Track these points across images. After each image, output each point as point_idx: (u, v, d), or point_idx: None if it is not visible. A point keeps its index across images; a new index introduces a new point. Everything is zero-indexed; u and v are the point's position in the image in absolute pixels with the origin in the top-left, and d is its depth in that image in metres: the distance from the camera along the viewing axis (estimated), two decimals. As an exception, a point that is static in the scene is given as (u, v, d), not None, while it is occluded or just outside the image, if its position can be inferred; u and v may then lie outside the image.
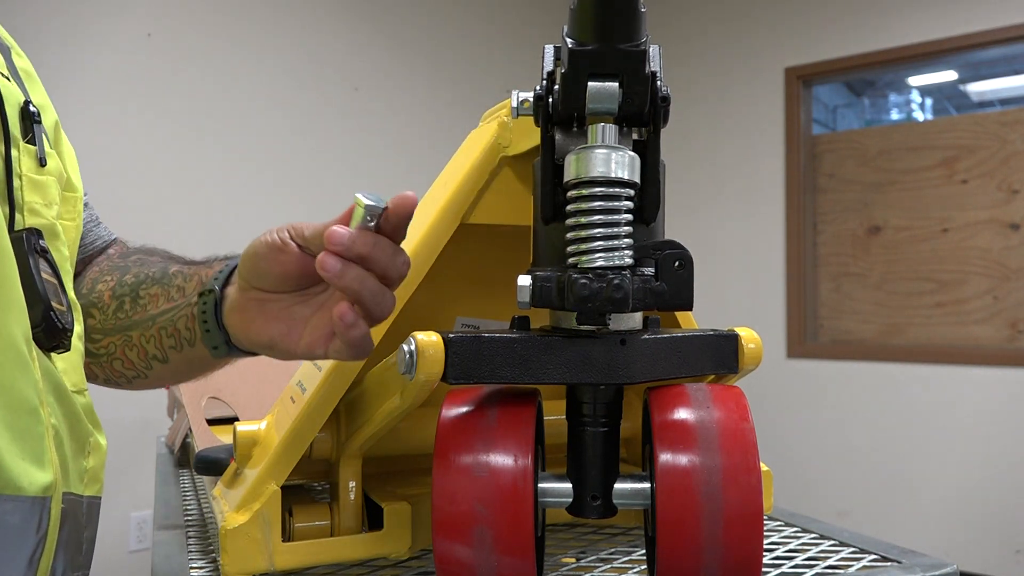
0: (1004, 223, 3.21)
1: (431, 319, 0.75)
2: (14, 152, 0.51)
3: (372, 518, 0.66)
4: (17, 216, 0.51)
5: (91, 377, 0.70)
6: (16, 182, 0.51)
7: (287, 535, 0.64)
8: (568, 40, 0.48)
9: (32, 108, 0.54)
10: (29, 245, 0.49)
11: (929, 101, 3.78)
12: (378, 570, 0.65)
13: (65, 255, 0.54)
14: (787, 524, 0.76)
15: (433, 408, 0.59)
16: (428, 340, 0.51)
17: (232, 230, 2.88)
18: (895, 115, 3.81)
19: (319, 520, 0.65)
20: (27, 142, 0.53)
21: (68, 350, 0.52)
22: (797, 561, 0.66)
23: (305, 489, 0.75)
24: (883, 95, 3.83)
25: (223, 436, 0.97)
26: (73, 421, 0.52)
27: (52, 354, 0.51)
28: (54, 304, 0.50)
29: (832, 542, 0.70)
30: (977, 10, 3.20)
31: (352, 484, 0.66)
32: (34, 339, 0.48)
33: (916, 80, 3.67)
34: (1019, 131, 3.18)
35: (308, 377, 0.67)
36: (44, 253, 0.50)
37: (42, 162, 0.53)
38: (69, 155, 0.62)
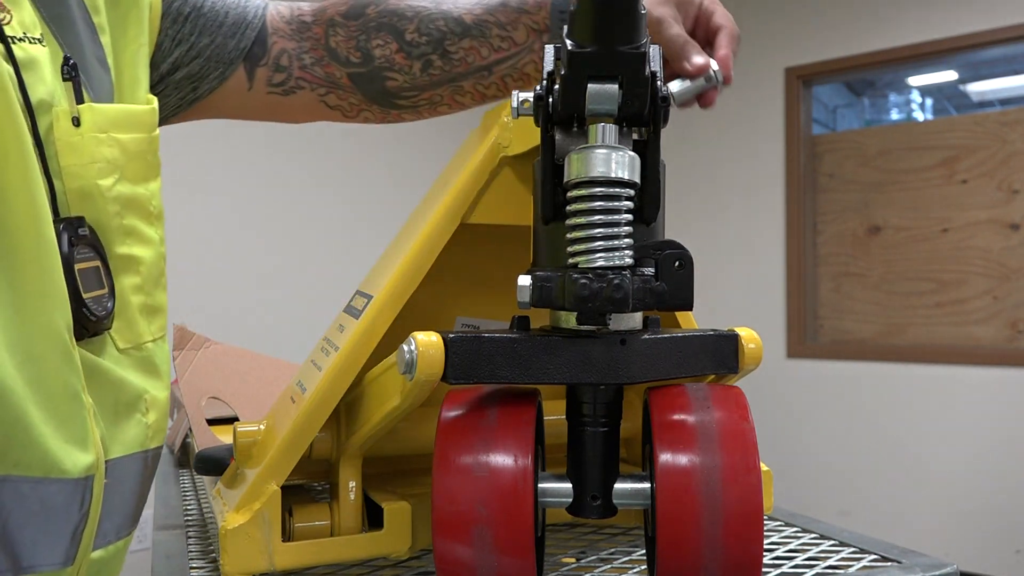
0: (1004, 223, 3.21)
1: (431, 319, 0.75)
2: (43, 120, 0.51)
3: (372, 518, 0.66)
4: (56, 183, 0.51)
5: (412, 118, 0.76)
6: (49, 150, 0.51)
7: (287, 535, 0.64)
8: (568, 42, 0.48)
9: (72, 61, 0.53)
10: (69, 235, 0.50)
11: (929, 101, 3.78)
12: (378, 570, 0.65)
13: (111, 211, 0.54)
14: (787, 524, 0.76)
15: (433, 408, 0.59)
16: (428, 340, 0.51)
17: (232, 228, 2.88)
18: (895, 115, 3.81)
19: (319, 520, 0.65)
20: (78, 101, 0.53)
21: (100, 334, 0.53)
22: (797, 561, 0.66)
23: (305, 489, 0.75)
24: (883, 95, 3.83)
25: (223, 436, 0.97)
26: (116, 391, 0.53)
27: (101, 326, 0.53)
28: (90, 295, 0.51)
29: (832, 542, 0.70)
30: (977, 10, 3.20)
31: (352, 484, 0.66)
32: None
33: (916, 80, 3.67)
34: (1019, 131, 3.18)
35: (308, 377, 0.67)
36: (83, 239, 0.51)
37: (75, 122, 0.53)
38: (133, 30, 0.61)
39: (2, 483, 0.45)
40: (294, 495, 0.69)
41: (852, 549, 0.68)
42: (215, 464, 0.83)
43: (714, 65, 0.62)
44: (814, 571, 0.63)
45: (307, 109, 0.74)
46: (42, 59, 0.53)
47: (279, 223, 3.07)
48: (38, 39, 0.53)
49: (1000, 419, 3.12)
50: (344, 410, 0.66)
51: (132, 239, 0.56)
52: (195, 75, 0.69)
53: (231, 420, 1.05)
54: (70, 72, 0.53)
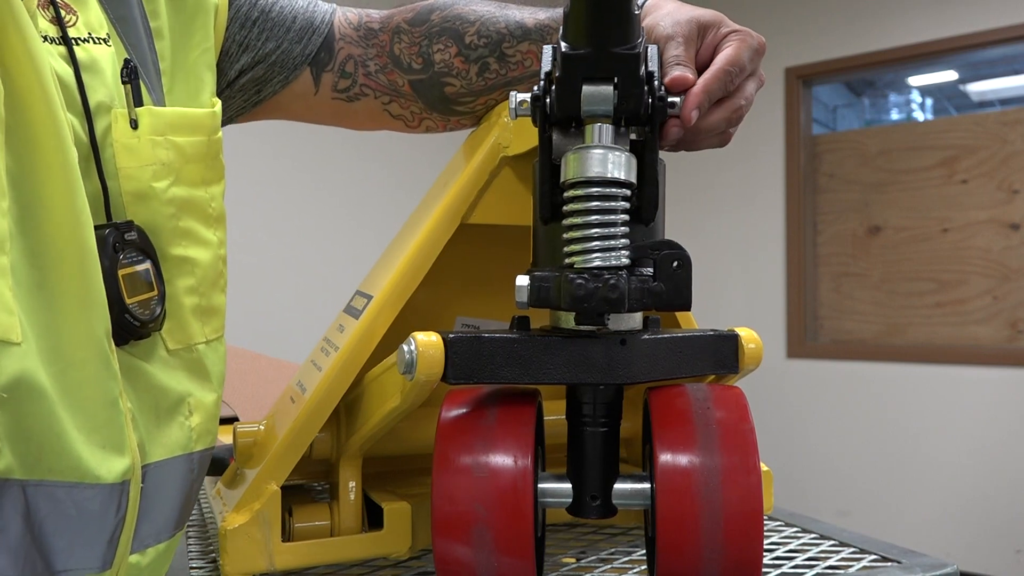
0: (1004, 223, 3.21)
1: (431, 319, 0.75)
2: (101, 122, 0.51)
3: (372, 518, 0.66)
4: (111, 184, 0.52)
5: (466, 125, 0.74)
6: (106, 152, 0.52)
7: (287, 535, 0.64)
8: (562, 44, 0.48)
9: (132, 64, 0.54)
10: (115, 240, 0.50)
11: (929, 101, 3.77)
12: (378, 570, 0.65)
13: (166, 212, 0.54)
14: (787, 524, 0.76)
15: (433, 408, 0.59)
16: (428, 340, 0.51)
17: (231, 228, 2.87)
18: (895, 115, 3.81)
19: (319, 520, 0.65)
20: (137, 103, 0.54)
21: (147, 336, 0.53)
22: (797, 561, 0.66)
23: (305, 489, 0.75)
24: (883, 95, 3.82)
25: (223, 436, 0.97)
26: (158, 395, 0.54)
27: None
28: (136, 299, 0.51)
29: (832, 542, 0.70)
30: (977, 10, 3.20)
31: (352, 484, 0.66)
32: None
33: (916, 80, 3.67)
34: (1019, 131, 3.18)
35: (308, 377, 0.67)
36: (131, 243, 0.51)
37: (133, 124, 0.53)
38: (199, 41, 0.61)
39: (36, 488, 0.45)
40: (294, 495, 0.69)
41: (852, 549, 0.68)
42: (215, 464, 0.83)
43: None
44: (814, 571, 0.63)
45: (371, 116, 0.74)
46: (105, 60, 0.53)
47: (279, 223, 3.07)
48: (103, 39, 0.53)
49: (1000, 419, 3.12)
50: (344, 410, 0.66)
51: (188, 241, 0.56)
52: (259, 79, 0.69)
53: (231, 420, 1.05)
54: (129, 75, 0.53)
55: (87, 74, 0.51)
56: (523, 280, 0.50)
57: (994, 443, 3.12)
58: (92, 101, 0.51)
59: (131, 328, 0.51)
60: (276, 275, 3.03)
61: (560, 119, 0.52)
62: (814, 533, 0.73)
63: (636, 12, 0.47)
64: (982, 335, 3.26)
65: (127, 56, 0.54)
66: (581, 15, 0.46)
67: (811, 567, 0.64)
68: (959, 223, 3.30)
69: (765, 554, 0.67)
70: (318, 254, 3.17)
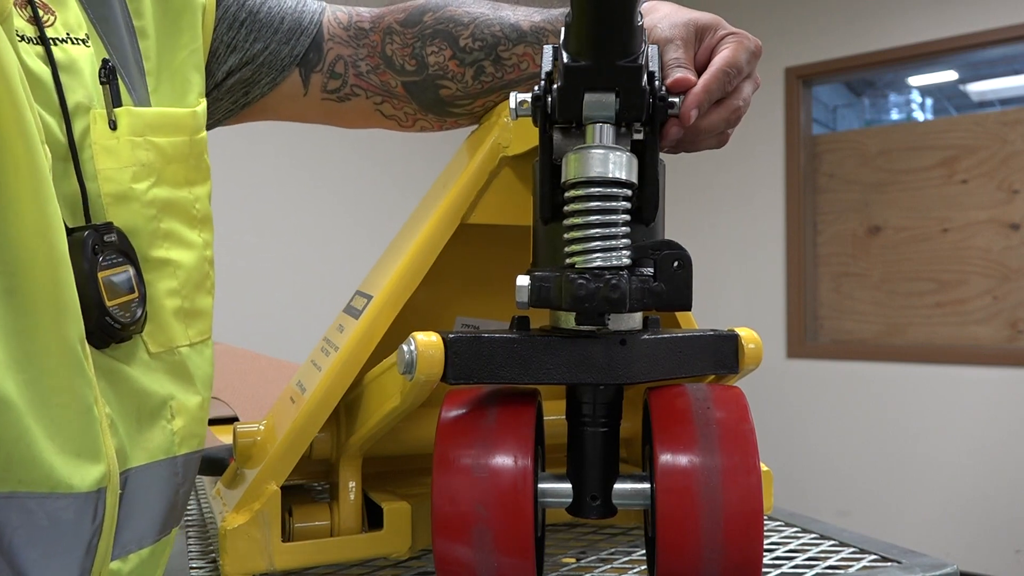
0: (1004, 223, 3.21)
1: (431, 319, 0.75)
2: (80, 123, 0.51)
3: (372, 518, 0.66)
4: (90, 186, 0.51)
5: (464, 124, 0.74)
6: (85, 153, 0.51)
7: (287, 535, 0.64)
8: (564, 54, 0.48)
9: (110, 64, 0.53)
10: (94, 243, 0.49)
11: (929, 101, 3.78)
12: (378, 570, 0.65)
13: (147, 214, 0.54)
14: (787, 524, 0.76)
15: (433, 408, 0.59)
16: (428, 340, 0.51)
17: (231, 228, 2.88)
18: (895, 115, 3.81)
19: (319, 520, 0.65)
20: (115, 104, 0.53)
21: (129, 339, 0.52)
22: (797, 561, 0.66)
23: (305, 489, 0.75)
24: (883, 95, 3.83)
25: (223, 436, 0.97)
26: (139, 398, 0.53)
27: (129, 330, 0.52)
28: (116, 302, 0.50)
29: (832, 542, 0.70)
30: (977, 10, 3.20)
31: (352, 484, 0.66)
32: (88, 341, 0.48)
33: (916, 80, 3.67)
34: (1019, 131, 3.18)
35: (308, 377, 0.67)
36: (110, 245, 0.50)
37: (112, 125, 0.52)
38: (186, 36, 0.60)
39: (6, 501, 0.44)
40: (294, 495, 0.69)
41: (852, 549, 0.68)
42: (215, 464, 0.83)
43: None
44: (814, 571, 0.63)
45: (363, 116, 0.73)
46: (83, 61, 0.52)
47: (279, 223, 3.07)
48: (82, 39, 0.53)
49: (1000, 419, 3.12)
50: (344, 410, 0.66)
51: (170, 243, 0.55)
52: (247, 80, 0.68)
53: (231, 420, 1.05)
54: (107, 76, 0.53)
55: (65, 74, 0.50)
56: (524, 280, 0.50)
57: (994, 443, 3.12)
58: (70, 102, 0.50)
59: (112, 331, 0.50)
60: (276, 275, 3.03)
61: (561, 120, 0.52)
62: (814, 533, 0.73)
63: (639, 23, 0.47)
64: (982, 335, 3.26)
65: (106, 56, 0.54)
66: (583, 27, 0.46)
67: (811, 567, 0.64)
68: (959, 223, 3.30)
69: (765, 554, 0.67)
70: (318, 254, 3.17)
